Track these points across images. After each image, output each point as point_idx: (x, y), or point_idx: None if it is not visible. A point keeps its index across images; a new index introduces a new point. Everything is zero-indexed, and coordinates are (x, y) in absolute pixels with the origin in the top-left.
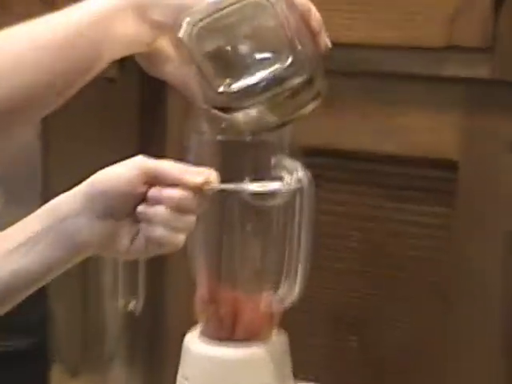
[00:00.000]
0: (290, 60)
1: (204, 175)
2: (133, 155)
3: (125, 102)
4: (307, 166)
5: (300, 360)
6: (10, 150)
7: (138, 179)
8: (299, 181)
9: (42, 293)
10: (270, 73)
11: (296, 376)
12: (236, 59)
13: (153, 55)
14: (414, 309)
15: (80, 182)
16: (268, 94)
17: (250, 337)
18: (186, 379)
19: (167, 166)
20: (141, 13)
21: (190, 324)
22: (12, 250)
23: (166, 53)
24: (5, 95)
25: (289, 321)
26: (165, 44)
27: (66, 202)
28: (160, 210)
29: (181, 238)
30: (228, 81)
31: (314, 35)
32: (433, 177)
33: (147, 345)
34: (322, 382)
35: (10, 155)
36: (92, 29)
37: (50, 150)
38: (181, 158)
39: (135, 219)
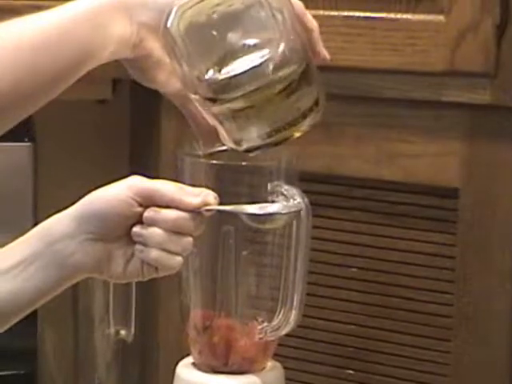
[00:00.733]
0: (281, 46)
1: (202, 196)
2: (125, 177)
3: (117, 124)
4: (305, 192)
5: None
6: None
7: (133, 200)
8: (297, 206)
9: (32, 321)
10: (259, 57)
11: None
12: (224, 46)
13: (143, 61)
14: (415, 341)
15: (72, 203)
16: (258, 83)
17: (243, 367)
18: None
19: (164, 187)
20: (128, 14)
21: (182, 352)
22: (3, 272)
23: (157, 57)
24: None
25: (285, 349)
26: (155, 49)
27: (58, 223)
28: (156, 232)
29: (177, 260)
30: (215, 67)
31: (309, 37)
32: (434, 204)
33: (138, 373)
34: None
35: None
36: (78, 28)
37: (41, 171)
38: (174, 180)
39: (130, 241)
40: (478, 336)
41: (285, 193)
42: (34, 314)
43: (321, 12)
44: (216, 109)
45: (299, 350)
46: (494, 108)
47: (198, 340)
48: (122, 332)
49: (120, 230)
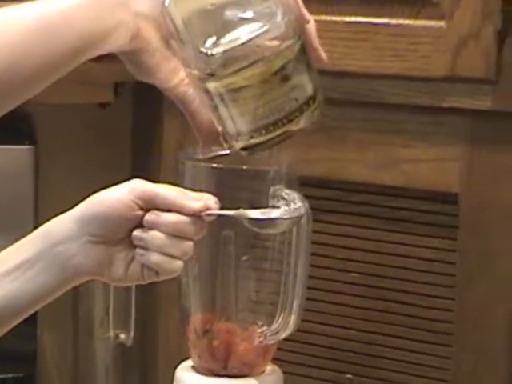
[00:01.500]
0: (278, 19)
1: (203, 201)
2: (127, 180)
3: (119, 127)
4: (306, 196)
5: None
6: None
7: (135, 203)
8: (297, 211)
9: (31, 324)
10: (256, 30)
11: None
12: (221, 20)
13: (141, 54)
14: (415, 346)
15: (73, 206)
16: (254, 56)
17: (243, 371)
18: None
19: (165, 190)
20: (126, 4)
21: (181, 356)
22: (4, 274)
23: (155, 49)
24: None
25: (284, 353)
26: (153, 39)
27: (60, 225)
28: (156, 235)
29: (178, 264)
30: (213, 40)
31: (306, 29)
32: (434, 210)
33: (138, 377)
34: None
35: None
36: (80, 17)
37: (42, 174)
38: (175, 185)
39: (130, 244)
40: (478, 342)
41: (285, 197)
42: (34, 316)
43: (323, 17)
44: (212, 86)
45: (299, 355)
46: (494, 114)
47: (197, 344)
48: (122, 336)
49: (121, 232)
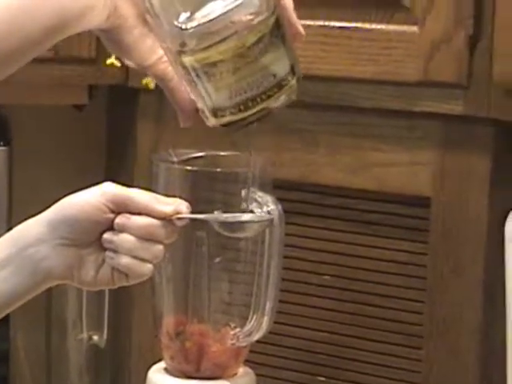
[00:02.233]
0: None
1: (174, 205)
2: (101, 182)
3: (93, 129)
4: (279, 199)
5: None
6: None
7: (106, 206)
8: (270, 213)
9: (4, 325)
10: (230, 3)
11: None
12: None
13: (118, 32)
14: (387, 349)
15: (46, 208)
16: (229, 30)
17: (215, 373)
18: None
19: (137, 194)
20: None
21: (154, 358)
22: None
23: (132, 26)
24: None
25: (257, 355)
26: (130, 16)
27: (31, 228)
28: (127, 238)
29: (148, 267)
30: (188, 13)
31: (282, 5)
32: (406, 213)
33: (111, 378)
34: None
35: None
36: None
37: (16, 175)
38: (149, 187)
39: (101, 247)
40: (449, 344)
41: (258, 200)
42: (7, 317)
43: None
44: (187, 60)
45: (271, 357)
46: (466, 118)
47: (170, 345)
48: (95, 337)
49: (92, 235)
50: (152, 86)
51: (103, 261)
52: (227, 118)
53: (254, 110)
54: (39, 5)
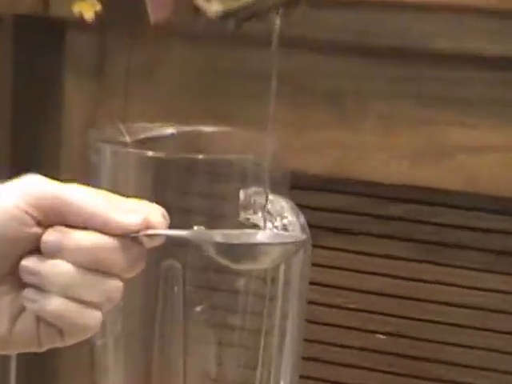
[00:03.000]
0: None
1: (143, 213)
2: (6, 170)
3: None
4: (300, 207)
5: None
6: None
7: (29, 215)
8: (286, 229)
9: None
10: None
11: None
12: None
13: None
14: None
15: None
16: None
17: None
18: None
19: (79, 195)
20: None
21: None
22: None
23: None
24: None
25: None
26: None
27: None
28: (61, 268)
29: (94, 316)
30: None
31: None
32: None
33: None
34: None
35: None
36: None
37: None
38: (84, 180)
39: (20, 282)
40: None
41: (268, 207)
42: None
43: None
44: None
45: None
46: None
47: None
48: None
49: (6, 263)
50: (90, 15)
51: (23, 306)
52: (223, 7)
53: None
54: None
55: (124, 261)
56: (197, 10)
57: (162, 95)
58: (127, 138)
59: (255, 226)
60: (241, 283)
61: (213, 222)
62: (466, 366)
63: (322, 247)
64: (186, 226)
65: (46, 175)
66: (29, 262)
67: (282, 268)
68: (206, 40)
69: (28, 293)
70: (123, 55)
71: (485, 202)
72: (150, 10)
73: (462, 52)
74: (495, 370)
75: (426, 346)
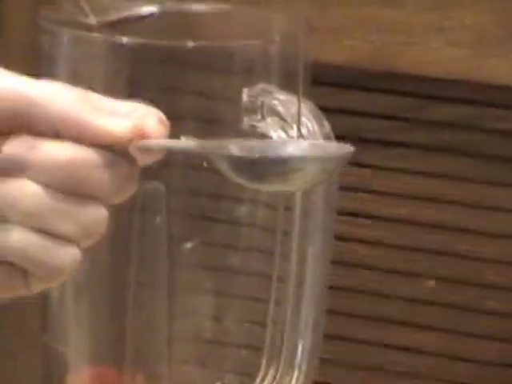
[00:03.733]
0: None
1: (133, 118)
2: None
3: None
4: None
5: None
6: None
7: None
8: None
9: None
10: None
11: None
12: None
13: None
14: None
15: None
16: None
17: None
18: None
19: (51, 94)
20: None
21: None
22: None
23: None
24: None
25: None
26: None
27: None
28: (26, 191)
29: (70, 255)
30: None
31: None
32: None
33: None
34: None
35: None
36: None
37: None
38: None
39: None
40: None
41: (279, 109)
42: None
43: None
44: None
45: None
46: None
47: None
48: None
49: None
50: None
51: None
52: None
53: None
54: None
55: (109, 181)
56: None
57: None
58: (93, 19)
59: (263, 136)
60: (245, 212)
61: (206, 130)
62: None
63: (354, 164)
64: (172, 135)
65: None
66: None
67: (299, 194)
68: None
69: None
70: None
71: None
72: None
73: None
74: None
75: None
